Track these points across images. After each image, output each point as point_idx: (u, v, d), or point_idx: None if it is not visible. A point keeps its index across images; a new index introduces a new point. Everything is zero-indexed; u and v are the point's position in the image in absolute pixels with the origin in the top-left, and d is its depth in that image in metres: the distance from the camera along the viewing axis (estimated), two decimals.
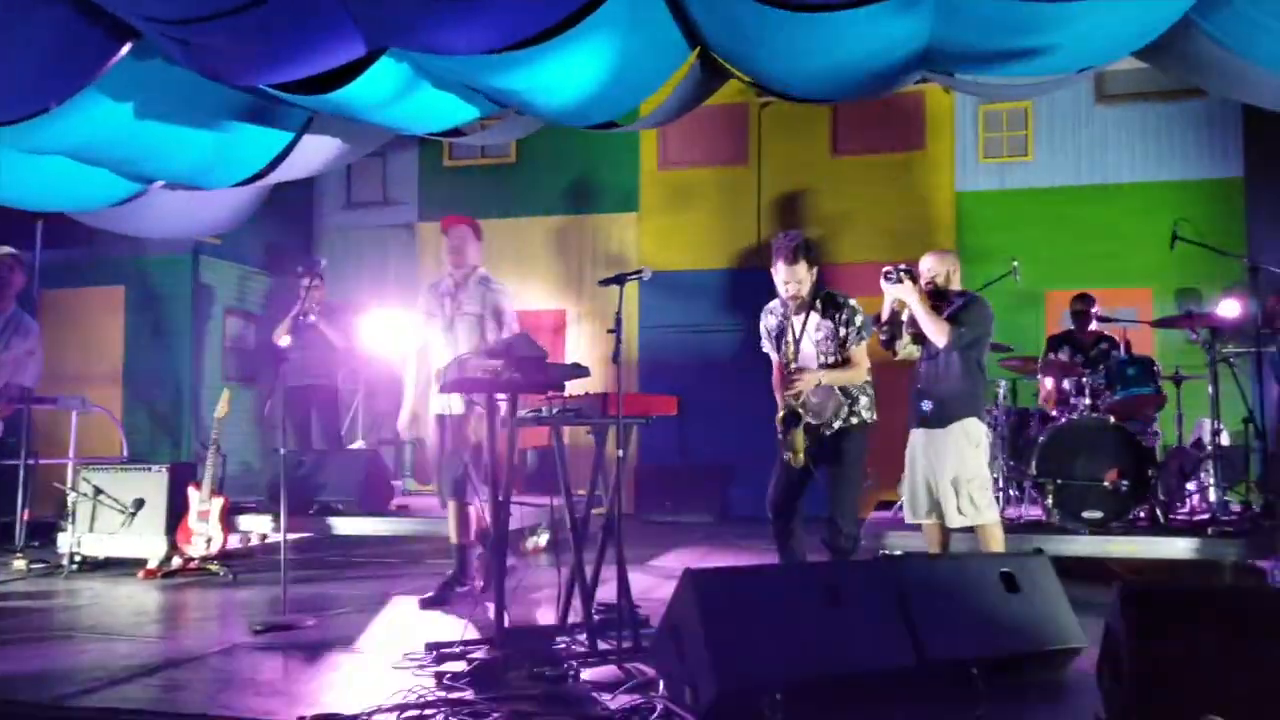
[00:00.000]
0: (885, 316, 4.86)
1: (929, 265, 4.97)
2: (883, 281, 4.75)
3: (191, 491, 6.23)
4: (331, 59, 4.63)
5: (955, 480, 4.69)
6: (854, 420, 4.51)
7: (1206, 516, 6.18)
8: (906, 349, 4.88)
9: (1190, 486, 6.64)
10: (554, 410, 4.04)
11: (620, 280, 4.00)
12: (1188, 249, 6.53)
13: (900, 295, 4.73)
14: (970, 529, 4.80)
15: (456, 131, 5.90)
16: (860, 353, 4.53)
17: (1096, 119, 9.30)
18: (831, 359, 4.53)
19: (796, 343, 4.55)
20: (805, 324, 4.58)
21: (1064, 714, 3.34)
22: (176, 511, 6.26)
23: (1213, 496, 6.22)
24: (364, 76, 4.68)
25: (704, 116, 9.06)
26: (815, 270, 4.57)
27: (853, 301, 4.59)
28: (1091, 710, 3.16)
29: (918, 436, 4.93)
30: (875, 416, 4.59)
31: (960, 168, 9.58)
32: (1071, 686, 3.55)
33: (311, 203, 10.71)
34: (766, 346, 4.77)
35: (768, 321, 4.75)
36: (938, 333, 4.70)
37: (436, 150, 10.18)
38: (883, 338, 4.88)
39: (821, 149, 9.80)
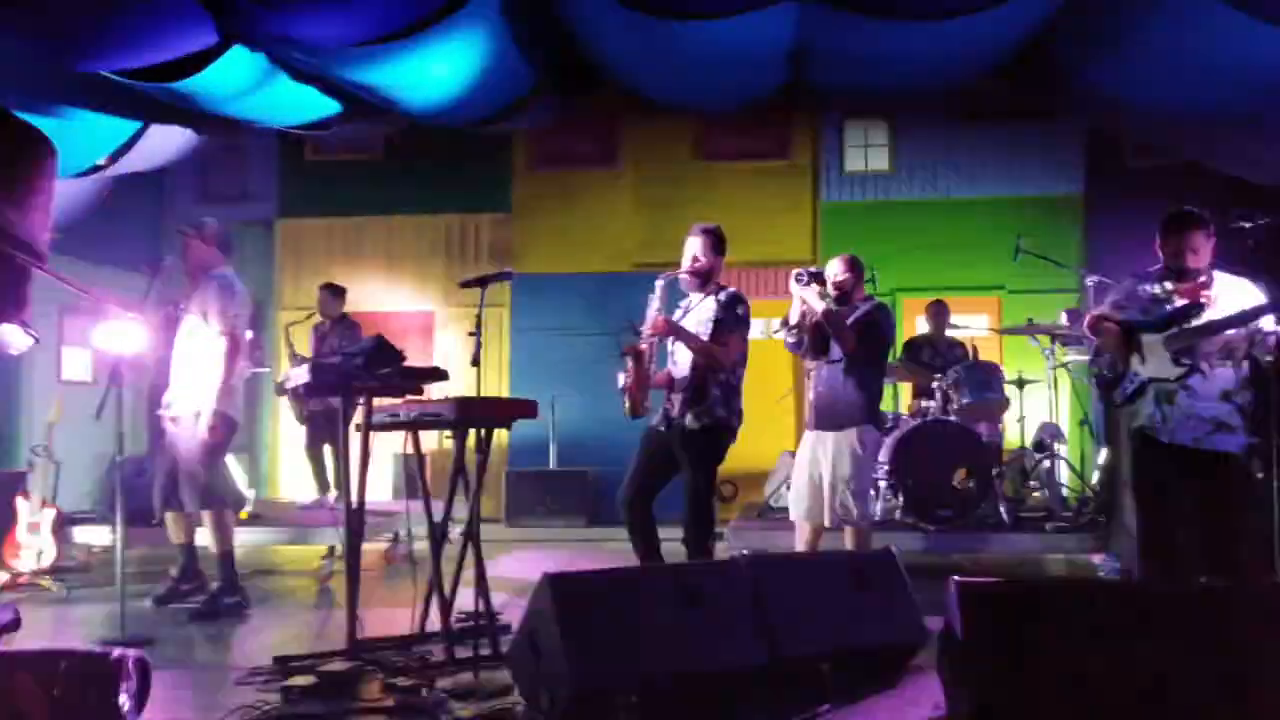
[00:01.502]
0: (794, 320, 4.85)
1: (836, 270, 4.97)
2: (792, 284, 4.74)
3: (20, 502, 5.85)
4: (180, 46, 4.44)
5: (838, 482, 4.75)
6: (705, 420, 4.47)
7: (1046, 514, 6.51)
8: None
9: (1033, 485, 7.00)
10: (412, 414, 3.96)
11: (483, 282, 3.96)
12: (1035, 260, 6.89)
13: (808, 298, 4.73)
14: (840, 531, 4.87)
15: (318, 126, 5.74)
16: (729, 338, 4.49)
17: (950, 136, 9.69)
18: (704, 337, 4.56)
19: (683, 314, 4.63)
20: (697, 304, 4.65)
21: (907, 707, 3.45)
22: (3, 524, 5.85)
23: (1052, 495, 6.55)
24: (215, 66, 4.51)
25: (576, 118, 9.07)
26: (716, 255, 4.62)
27: (744, 298, 4.58)
28: (931, 703, 3.28)
29: (810, 438, 4.96)
30: (735, 420, 4.54)
31: (824, 179, 9.85)
32: (915, 680, 3.67)
33: (162, 196, 10.23)
34: None
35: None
36: (842, 338, 4.72)
37: (298, 143, 9.85)
38: (790, 340, 4.90)
39: (692, 155, 9.93)
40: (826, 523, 4.82)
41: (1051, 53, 4.88)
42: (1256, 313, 4.01)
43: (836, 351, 4.80)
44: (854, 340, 4.69)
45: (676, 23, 4.07)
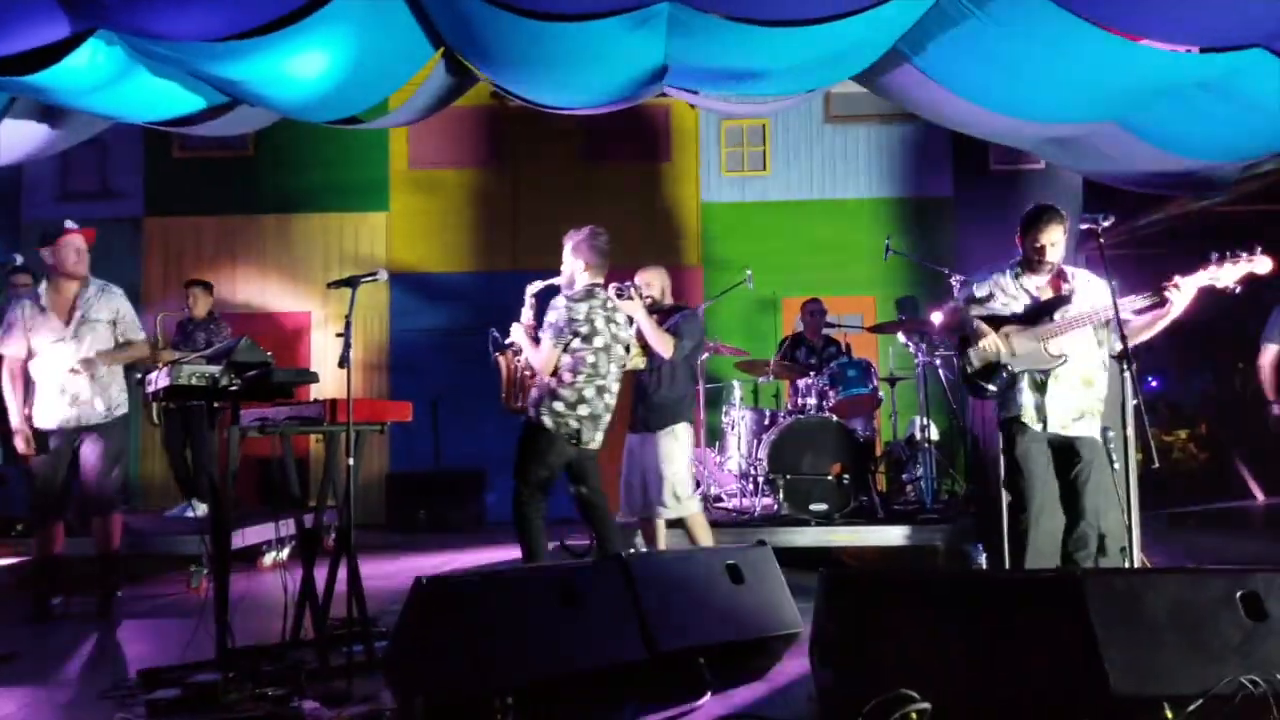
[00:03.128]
0: None
1: (648, 280, 5.33)
2: (615, 299, 4.91)
3: None
4: (31, 38, 4.23)
5: (663, 476, 5.08)
6: (525, 416, 4.65)
7: (918, 506, 6.75)
8: (634, 360, 5.11)
9: (905, 478, 7.24)
10: (280, 418, 3.86)
11: (353, 282, 3.91)
12: (907, 260, 7.12)
13: (630, 311, 4.93)
14: (680, 522, 5.26)
15: (182, 121, 5.54)
16: (544, 341, 4.56)
17: (826, 138, 9.96)
18: None
19: None
20: None
21: (780, 695, 3.54)
22: None
23: (924, 487, 6.79)
24: (70, 59, 4.30)
25: (455, 117, 8.99)
26: (574, 259, 4.71)
27: (561, 301, 4.59)
28: (806, 692, 3.38)
29: (634, 440, 5.27)
30: (551, 423, 4.53)
31: (704, 180, 9.98)
32: (790, 669, 3.77)
33: (19, 192, 9.71)
34: None
35: None
36: (663, 345, 5.01)
37: (165, 138, 9.47)
38: None
39: (573, 155, 9.93)
40: (664, 516, 5.16)
41: (910, 59, 5.06)
42: (1122, 306, 4.28)
43: (657, 358, 5.12)
44: (670, 346, 5.01)
45: (540, 23, 4.07)
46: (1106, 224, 4.15)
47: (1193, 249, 4.25)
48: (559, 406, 4.54)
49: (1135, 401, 4.27)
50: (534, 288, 4.79)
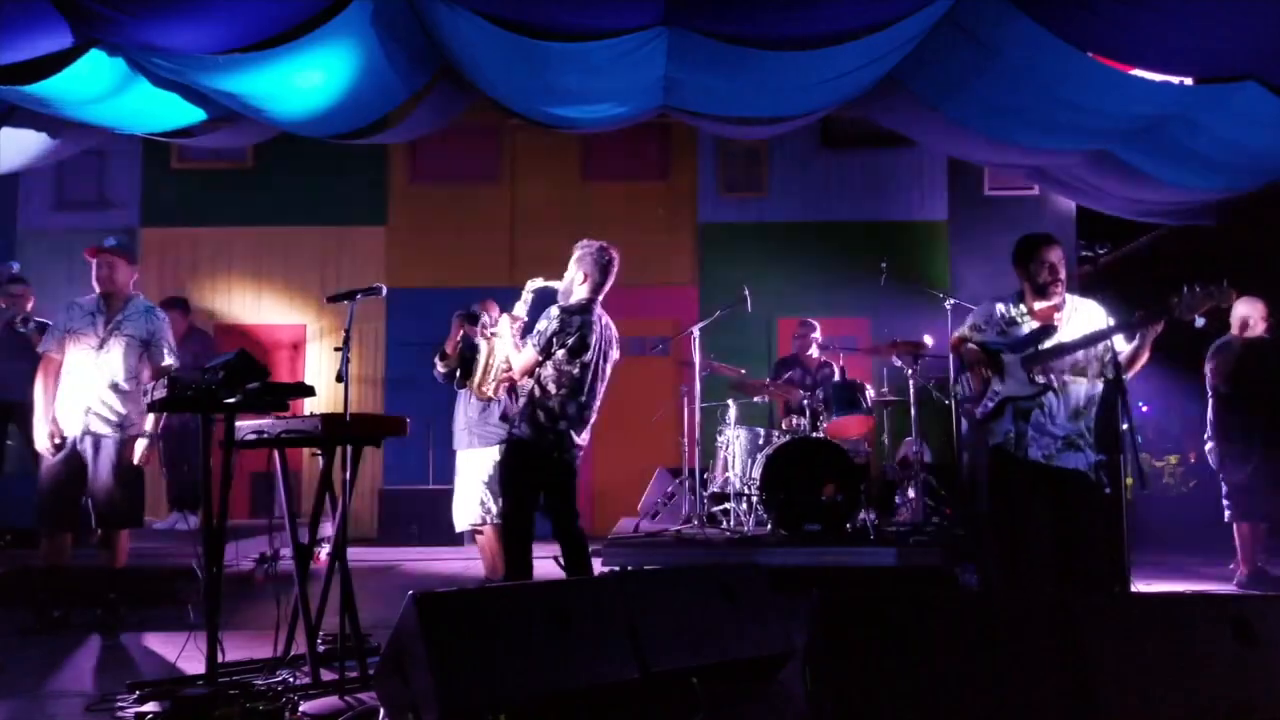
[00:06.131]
0: (450, 350, 5.99)
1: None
2: (456, 320, 5.83)
3: None
4: (32, 48, 4.25)
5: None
6: (505, 433, 4.84)
7: (910, 527, 6.74)
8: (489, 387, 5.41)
9: (897, 500, 7.25)
10: (276, 431, 3.86)
11: (352, 296, 3.91)
12: (900, 283, 7.16)
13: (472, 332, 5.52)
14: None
15: (182, 133, 5.57)
16: (527, 345, 4.53)
17: (822, 161, 10.00)
18: None
19: None
20: None
21: (773, 717, 3.53)
22: None
23: (916, 508, 6.80)
24: (71, 69, 4.33)
25: (456, 133, 9.02)
26: (578, 271, 4.60)
27: (555, 311, 4.52)
28: (797, 712, 3.37)
29: (473, 455, 5.88)
30: (533, 433, 4.48)
31: (702, 200, 10.02)
32: (781, 691, 3.76)
33: (16, 201, 9.71)
34: None
35: None
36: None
37: (163, 149, 9.48)
38: (442, 370, 5.98)
39: (573, 173, 9.97)
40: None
41: (907, 85, 5.11)
42: (1106, 333, 4.27)
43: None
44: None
45: (544, 43, 4.10)
46: (1100, 253, 4.19)
47: (1178, 271, 4.25)
48: (541, 417, 4.48)
49: (1125, 426, 4.30)
50: (534, 284, 4.70)
